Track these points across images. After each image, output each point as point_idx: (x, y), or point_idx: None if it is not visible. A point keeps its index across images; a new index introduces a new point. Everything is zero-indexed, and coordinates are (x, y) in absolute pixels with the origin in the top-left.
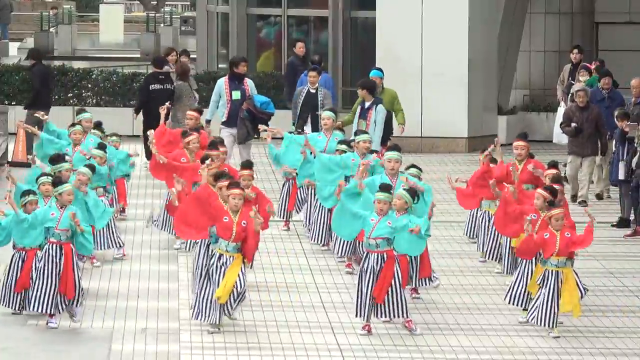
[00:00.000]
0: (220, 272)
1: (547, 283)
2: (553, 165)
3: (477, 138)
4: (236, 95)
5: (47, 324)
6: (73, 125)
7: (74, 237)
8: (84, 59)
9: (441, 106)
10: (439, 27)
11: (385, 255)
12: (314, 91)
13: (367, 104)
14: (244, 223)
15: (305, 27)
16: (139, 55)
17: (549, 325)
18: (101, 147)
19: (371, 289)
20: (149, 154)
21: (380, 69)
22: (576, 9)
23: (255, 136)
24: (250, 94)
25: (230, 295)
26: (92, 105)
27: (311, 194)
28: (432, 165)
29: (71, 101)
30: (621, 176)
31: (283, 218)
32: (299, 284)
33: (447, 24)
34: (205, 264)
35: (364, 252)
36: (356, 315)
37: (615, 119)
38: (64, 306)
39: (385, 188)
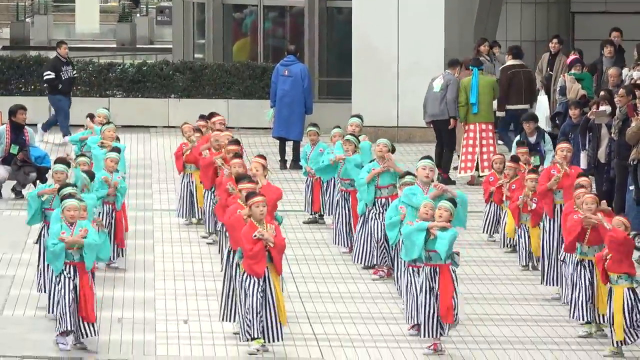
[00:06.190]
0: (257, 290)
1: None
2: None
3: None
4: (14, 149)
5: (56, 342)
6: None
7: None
8: None
9: (417, 96)
10: (415, 16)
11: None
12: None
13: (532, 139)
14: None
15: (281, 17)
16: (114, 46)
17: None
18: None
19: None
20: None
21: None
22: None
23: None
24: (29, 144)
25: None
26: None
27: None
28: (409, 155)
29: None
30: (583, 166)
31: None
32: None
33: (423, 13)
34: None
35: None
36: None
37: (569, 109)
38: (84, 331)
39: (453, 201)
